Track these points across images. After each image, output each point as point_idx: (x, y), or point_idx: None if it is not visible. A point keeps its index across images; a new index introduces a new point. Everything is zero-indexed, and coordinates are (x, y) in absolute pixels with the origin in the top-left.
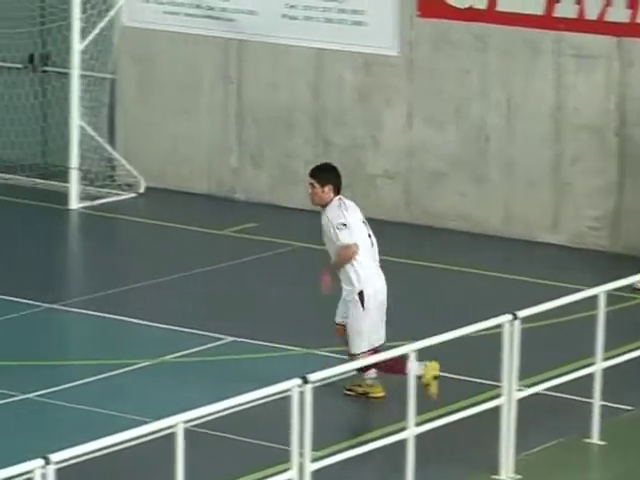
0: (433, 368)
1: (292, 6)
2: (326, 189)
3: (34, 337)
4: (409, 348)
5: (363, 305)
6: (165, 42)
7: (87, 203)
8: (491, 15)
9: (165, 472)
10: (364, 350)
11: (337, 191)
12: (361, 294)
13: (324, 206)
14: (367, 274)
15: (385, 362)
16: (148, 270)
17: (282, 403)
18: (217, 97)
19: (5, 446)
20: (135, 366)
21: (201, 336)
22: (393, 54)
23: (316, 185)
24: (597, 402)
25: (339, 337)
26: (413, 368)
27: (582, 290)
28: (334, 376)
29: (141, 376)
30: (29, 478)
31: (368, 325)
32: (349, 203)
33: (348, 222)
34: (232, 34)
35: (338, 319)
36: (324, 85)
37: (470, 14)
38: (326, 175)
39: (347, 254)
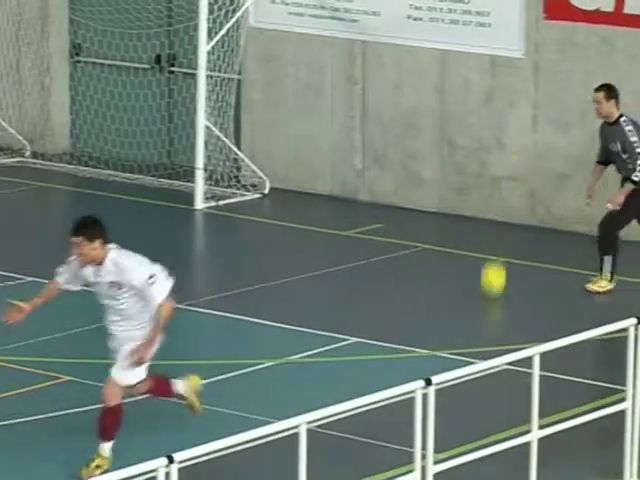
0: (193, 384)
1: (417, 7)
2: (96, 244)
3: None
4: (534, 351)
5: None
6: (290, 43)
7: (212, 203)
8: (618, 17)
9: (288, 473)
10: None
11: (105, 242)
12: None
13: (100, 263)
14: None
15: (155, 386)
16: (272, 271)
17: (405, 405)
18: (341, 98)
19: (130, 445)
20: (260, 366)
21: (325, 337)
22: (518, 56)
23: (84, 242)
24: None
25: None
26: (178, 387)
27: None
28: (457, 378)
29: (266, 376)
30: (153, 477)
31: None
32: (124, 251)
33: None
34: (356, 35)
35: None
36: (449, 86)
37: (596, 16)
38: (92, 229)
39: (171, 311)
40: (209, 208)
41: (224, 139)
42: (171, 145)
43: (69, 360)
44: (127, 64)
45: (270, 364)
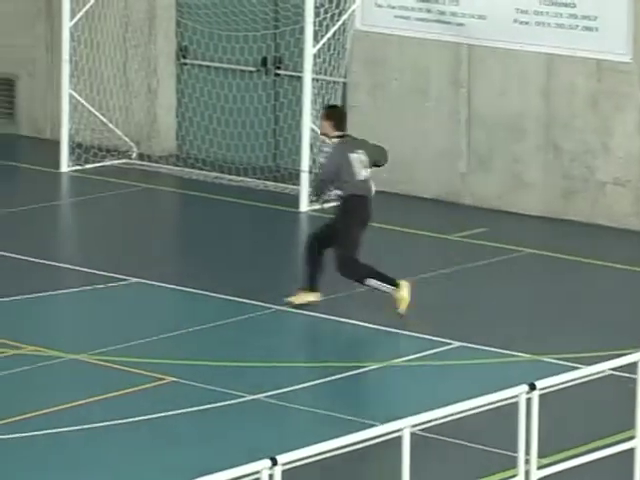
0: None
1: (523, 11)
2: None
3: (264, 339)
4: (638, 356)
5: None
6: (396, 46)
7: (317, 206)
8: None
9: (392, 477)
10: None
11: None
12: None
13: None
14: None
15: None
16: None
17: (508, 409)
18: (446, 102)
19: (234, 446)
20: (362, 369)
21: (429, 340)
22: (625, 60)
23: None
24: None
25: None
26: None
27: None
28: (561, 383)
29: (368, 379)
30: (257, 478)
31: None
32: None
33: None
34: (462, 39)
35: None
36: (554, 90)
37: None
38: None
39: None
40: (314, 211)
41: None
42: (276, 148)
43: (174, 361)
44: (233, 66)
45: (373, 367)
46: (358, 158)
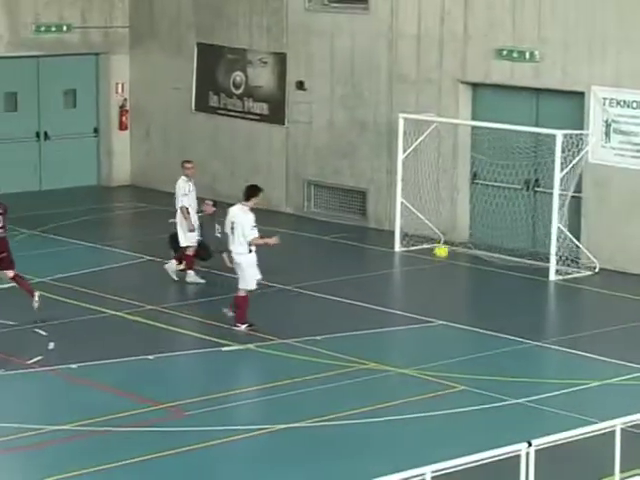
0: None
1: None
2: None
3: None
4: None
5: None
6: (616, 174)
7: (561, 277)
8: None
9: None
10: None
11: None
12: None
13: None
14: None
15: None
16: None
17: None
18: None
19: (498, 432)
20: (583, 386)
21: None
22: None
23: None
24: None
25: None
26: None
27: None
28: None
29: (592, 394)
30: (514, 457)
31: None
32: None
33: None
34: None
35: None
36: None
37: None
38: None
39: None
40: (560, 280)
41: (573, 240)
42: (534, 239)
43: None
44: (505, 185)
45: (594, 384)
46: None
